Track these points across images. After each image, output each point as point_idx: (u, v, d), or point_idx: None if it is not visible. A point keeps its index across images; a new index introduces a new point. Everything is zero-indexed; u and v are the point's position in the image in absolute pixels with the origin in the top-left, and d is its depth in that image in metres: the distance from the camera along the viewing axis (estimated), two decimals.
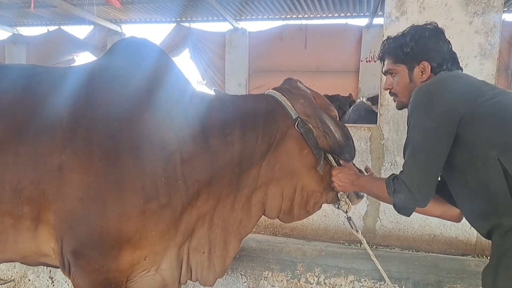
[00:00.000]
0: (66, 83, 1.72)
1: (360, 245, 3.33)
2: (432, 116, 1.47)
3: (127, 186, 1.56)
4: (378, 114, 3.27)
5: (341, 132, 1.75)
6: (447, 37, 1.70)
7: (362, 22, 9.30)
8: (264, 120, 1.78)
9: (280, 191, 1.85)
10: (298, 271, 2.43)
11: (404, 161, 1.61)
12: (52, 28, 10.18)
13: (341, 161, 1.84)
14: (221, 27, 9.72)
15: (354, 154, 1.82)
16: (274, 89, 1.92)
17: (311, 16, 9.26)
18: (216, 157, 1.71)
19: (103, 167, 1.56)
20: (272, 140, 1.78)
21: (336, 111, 1.90)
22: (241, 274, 2.51)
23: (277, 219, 1.95)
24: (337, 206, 1.92)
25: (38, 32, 10.49)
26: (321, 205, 1.96)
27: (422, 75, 1.67)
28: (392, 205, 1.69)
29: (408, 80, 1.69)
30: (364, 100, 4.53)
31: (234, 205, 1.82)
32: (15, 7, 8.17)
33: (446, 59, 1.66)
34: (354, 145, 1.80)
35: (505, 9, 7.17)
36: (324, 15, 9.19)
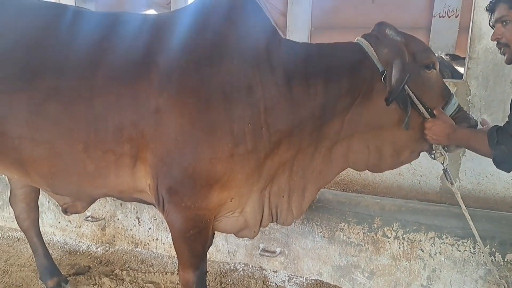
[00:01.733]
0: (159, 30, 1.79)
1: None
2: None
3: (217, 130, 1.63)
4: (465, 67, 3.07)
5: (398, 76, 1.62)
6: None
7: None
8: (349, 73, 1.74)
9: (365, 144, 1.83)
10: (375, 225, 2.43)
11: (510, 113, 1.52)
12: None
13: (435, 111, 1.75)
14: None
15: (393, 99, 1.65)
16: (363, 36, 1.84)
17: None
18: (298, 107, 1.72)
19: (195, 111, 1.63)
20: (357, 93, 1.74)
21: (434, 56, 1.78)
22: (317, 225, 2.56)
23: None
24: (432, 156, 1.85)
25: None
26: (419, 153, 1.90)
27: None
28: (491, 159, 1.61)
29: None
30: (443, 55, 4.24)
31: (314, 156, 1.84)
32: None
33: None
34: (399, 90, 1.63)
35: None
36: None
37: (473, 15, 2.97)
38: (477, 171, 3.13)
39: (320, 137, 1.80)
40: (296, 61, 1.77)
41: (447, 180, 1.87)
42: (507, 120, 1.54)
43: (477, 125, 1.80)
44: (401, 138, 1.79)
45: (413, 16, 8.63)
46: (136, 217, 2.97)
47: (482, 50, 2.95)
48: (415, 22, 8.65)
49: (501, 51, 1.66)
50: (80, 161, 1.71)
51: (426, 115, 1.74)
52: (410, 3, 8.58)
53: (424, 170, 3.30)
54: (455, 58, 4.47)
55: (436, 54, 5.12)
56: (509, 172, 1.65)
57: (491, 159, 1.61)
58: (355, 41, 1.85)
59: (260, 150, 1.70)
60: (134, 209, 2.95)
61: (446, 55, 4.43)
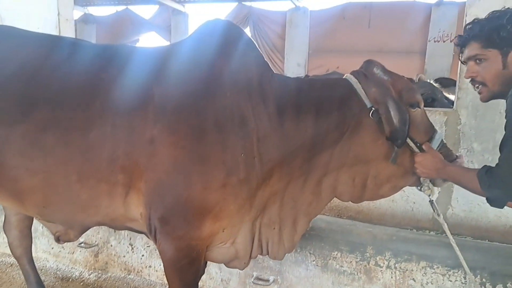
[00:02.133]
0: (157, 62, 1.84)
1: (429, 232, 3.26)
2: None
3: (211, 161, 1.66)
4: (456, 97, 3.12)
5: (400, 117, 1.66)
6: None
7: None
8: (338, 108, 1.78)
9: (351, 177, 1.86)
10: (367, 254, 2.43)
11: (501, 155, 1.53)
12: (120, 8, 10.62)
13: (423, 146, 1.79)
14: (282, 6, 9.62)
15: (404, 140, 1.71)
16: (352, 73, 1.89)
17: None
18: (289, 139, 1.76)
19: (189, 141, 1.66)
20: (345, 128, 1.78)
21: (418, 95, 1.82)
22: (310, 253, 2.57)
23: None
24: (419, 188, 1.89)
25: (107, 12, 11.00)
26: (401, 188, 1.94)
27: None
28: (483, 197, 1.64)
29: (501, 67, 1.55)
30: (432, 82, 4.29)
31: (304, 187, 1.87)
32: None
33: None
34: (405, 131, 1.68)
35: None
36: None
37: None
38: (469, 199, 3.15)
39: (310, 169, 1.84)
40: (288, 95, 1.82)
41: (434, 211, 1.90)
42: (497, 163, 1.55)
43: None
44: (386, 172, 1.82)
45: (408, 41, 8.76)
46: (129, 244, 2.97)
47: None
48: (410, 47, 8.79)
49: (477, 89, 1.67)
50: (74, 190, 1.73)
51: (415, 149, 1.77)
52: (405, 28, 8.72)
53: (417, 197, 3.31)
54: (446, 83, 4.52)
55: (428, 81, 5.20)
56: (502, 208, 1.68)
57: (487, 201, 1.65)
58: (344, 77, 1.91)
59: (252, 180, 1.73)
60: (127, 235, 2.96)
61: (436, 81, 4.47)
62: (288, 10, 9.39)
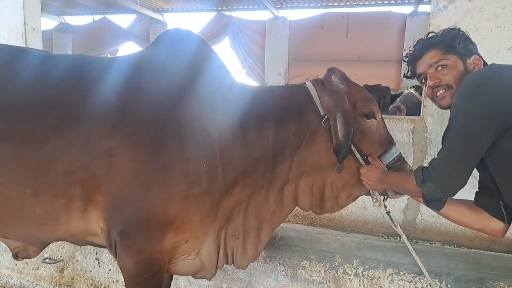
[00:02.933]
0: (115, 72, 1.81)
1: (400, 238, 3.27)
2: (481, 103, 1.40)
3: (172, 172, 1.63)
4: (422, 105, 3.17)
5: (344, 131, 1.67)
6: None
7: (406, 10, 9.01)
8: (297, 116, 1.79)
9: (309, 185, 1.86)
10: (336, 262, 2.42)
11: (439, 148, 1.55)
12: (97, 17, 10.53)
13: (369, 158, 1.80)
14: (262, 15, 9.74)
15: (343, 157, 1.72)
16: (312, 80, 1.90)
17: (353, 4, 9.05)
18: (252, 149, 1.76)
19: (149, 153, 1.64)
20: (302, 136, 1.78)
21: (375, 106, 1.83)
22: (279, 263, 2.54)
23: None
24: (374, 200, 1.90)
25: (84, 22, 10.89)
26: (356, 198, 1.94)
27: (474, 67, 1.60)
28: (422, 199, 1.63)
29: (463, 69, 1.61)
30: (412, 90, 4.34)
31: (268, 196, 1.87)
32: None
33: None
34: (348, 146, 1.69)
35: None
36: (367, 3, 8.97)
37: None
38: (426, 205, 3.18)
39: (273, 178, 1.83)
40: (250, 105, 1.81)
41: (391, 221, 1.91)
42: (434, 157, 1.57)
43: None
44: (339, 182, 1.83)
45: (385, 50, 8.93)
46: (95, 258, 2.89)
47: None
48: (387, 55, 8.96)
49: (438, 96, 1.69)
50: (29, 205, 1.68)
51: (362, 161, 1.78)
52: (382, 37, 8.90)
53: (388, 203, 3.28)
54: (421, 90, 4.58)
55: (408, 89, 5.27)
56: (439, 211, 1.69)
57: (423, 200, 1.63)
58: (304, 84, 1.91)
59: (215, 191, 1.71)
60: (93, 250, 2.88)
61: (414, 88, 4.54)
62: (267, 20, 9.49)
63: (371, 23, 8.91)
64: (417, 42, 1.73)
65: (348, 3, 9.02)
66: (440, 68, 1.65)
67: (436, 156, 1.53)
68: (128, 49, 10.65)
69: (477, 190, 1.73)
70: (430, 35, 1.71)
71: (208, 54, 1.90)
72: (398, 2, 8.84)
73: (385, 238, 3.29)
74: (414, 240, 3.20)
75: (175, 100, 1.72)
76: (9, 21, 3.22)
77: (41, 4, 3.37)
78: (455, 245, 3.14)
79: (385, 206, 1.88)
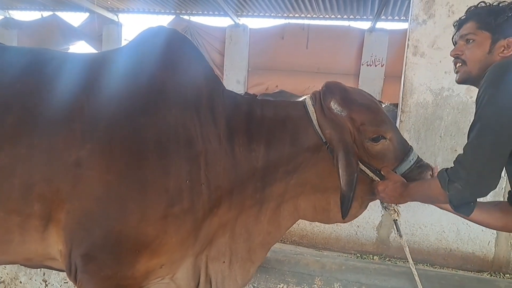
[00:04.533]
0: (86, 71, 1.56)
1: (373, 257, 3.21)
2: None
3: (150, 188, 1.44)
4: (398, 120, 3.14)
5: (346, 179, 1.52)
6: None
7: (365, 25, 9.25)
8: (293, 139, 1.64)
9: (311, 204, 1.73)
10: (316, 285, 2.28)
11: (466, 143, 1.42)
12: (46, 14, 9.87)
13: (382, 172, 1.67)
14: (222, 22, 9.59)
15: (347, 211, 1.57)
16: (311, 97, 1.72)
17: (313, 16, 9.19)
18: (239, 166, 1.59)
19: (125, 165, 1.43)
20: (300, 159, 1.64)
21: (383, 126, 1.68)
22: (254, 286, 2.36)
23: None
24: (384, 206, 1.77)
25: (32, 17, 10.18)
26: (367, 205, 1.79)
27: (503, 50, 1.52)
28: (450, 205, 1.49)
29: (487, 51, 1.52)
30: (389, 105, 4.38)
31: (260, 217, 1.71)
32: None
33: None
34: (351, 199, 1.54)
35: None
36: (327, 16, 9.14)
37: (405, 70, 3.09)
38: (412, 222, 3.16)
39: (264, 199, 1.66)
40: (240, 117, 1.63)
41: (397, 232, 1.78)
42: (460, 153, 1.44)
43: None
44: None
45: (344, 63, 9.13)
46: (42, 280, 2.55)
47: (414, 104, 3.05)
48: (346, 69, 9.15)
49: (455, 68, 1.63)
50: None
51: (375, 178, 1.65)
52: (341, 51, 9.09)
53: (361, 221, 3.26)
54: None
55: (386, 103, 5.29)
56: (468, 216, 1.53)
57: (450, 206, 1.47)
58: (302, 100, 1.75)
59: (198, 210, 1.51)
60: (40, 270, 2.54)
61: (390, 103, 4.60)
62: (227, 26, 9.39)
63: (331, 36, 9.09)
64: (468, 8, 1.65)
65: (308, 15, 9.14)
66: (467, 41, 1.58)
67: (462, 152, 1.39)
68: (79, 49, 10.05)
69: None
70: (476, 6, 1.62)
71: (195, 55, 1.71)
72: (357, 17, 9.07)
73: (357, 256, 3.21)
74: (387, 259, 3.15)
75: (157, 105, 1.51)
76: None
77: None
78: (428, 264, 3.14)
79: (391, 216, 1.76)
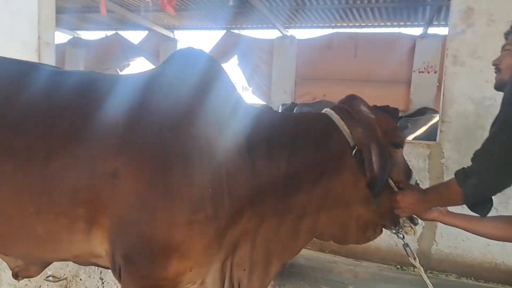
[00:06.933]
0: (123, 90, 1.77)
1: (414, 268, 3.15)
2: None
3: (176, 196, 1.57)
4: (439, 130, 3.10)
5: (380, 164, 1.59)
6: None
7: (416, 31, 9.00)
8: (316, 148, 1.70)
9: (332, 220, 1.77)
10: None
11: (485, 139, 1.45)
12: (110, 33, 10.62)
13: (400, 184, 1.72)
14: (270, 34, 9.74)
15: (379, 192, 1.63)
16: (333, 108, 1.82)
17: (362, 24, 9.06)
18: (260, 177, 1.68)
19: (153, 175, 1.58)
20: (324, 169, 1.70)
21: (403, 136, 1.76)
22: None
23: None
24: (395, 231, 1.80)
25: (97, 37, 10.99)
26: (382, 230, 1.85)
27: None
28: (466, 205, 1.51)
29: None
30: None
31: (280, 229, 1.77)
32: (76, 11, 8.59)
33: None
34: (385, 180, 1.62)
35: None
36: (376, 24, 8.99)
37: (444, 80, 3.04)
38: (454, 234, 3.07)
39: (285, 210, 1.74)
40: (261, 130, 1.74)
41: (409, 256, 1.81)
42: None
43: None
44: (367, 215, 1.75)
45: (394, 71, 8.87)
46: (99, 278, 2.82)
47: (454, 114, 3.00)
48: (396, 77, 8.90)
49: (496, 76, 1.70)
50: (30, 224, 1.62)
51: (395, 189, 1.70)
52: (391, 58, 8.84)
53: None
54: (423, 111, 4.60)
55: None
56: (485, 215, 1.54)
57: (466, 205, 1.51)
58: (324, 112, 1.84)
59: (220, 217, 1.63)
60: (98, 269, 2.81)
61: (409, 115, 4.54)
62: (275, 38, 9.51)
63: (380, 43, 8.89)
64: None
65: (357, 24, 9.04)
66: (507, 51, 1.65)
67: (480, 147, 1.44)
68: (139, 64, 10.69)
69: None
70: None
71: (219, 74, 1.85)
72: (408, 24, 8.83)
73: (398, 268, 3.17)
74: (428, 271, 3.05)
75: (182, 121, 1.66)
76: (23, 35, 3.21)
77: (55, 19, 3.37)
78: (472, 278, 3.02)
79: (403, 238, 1.78)
